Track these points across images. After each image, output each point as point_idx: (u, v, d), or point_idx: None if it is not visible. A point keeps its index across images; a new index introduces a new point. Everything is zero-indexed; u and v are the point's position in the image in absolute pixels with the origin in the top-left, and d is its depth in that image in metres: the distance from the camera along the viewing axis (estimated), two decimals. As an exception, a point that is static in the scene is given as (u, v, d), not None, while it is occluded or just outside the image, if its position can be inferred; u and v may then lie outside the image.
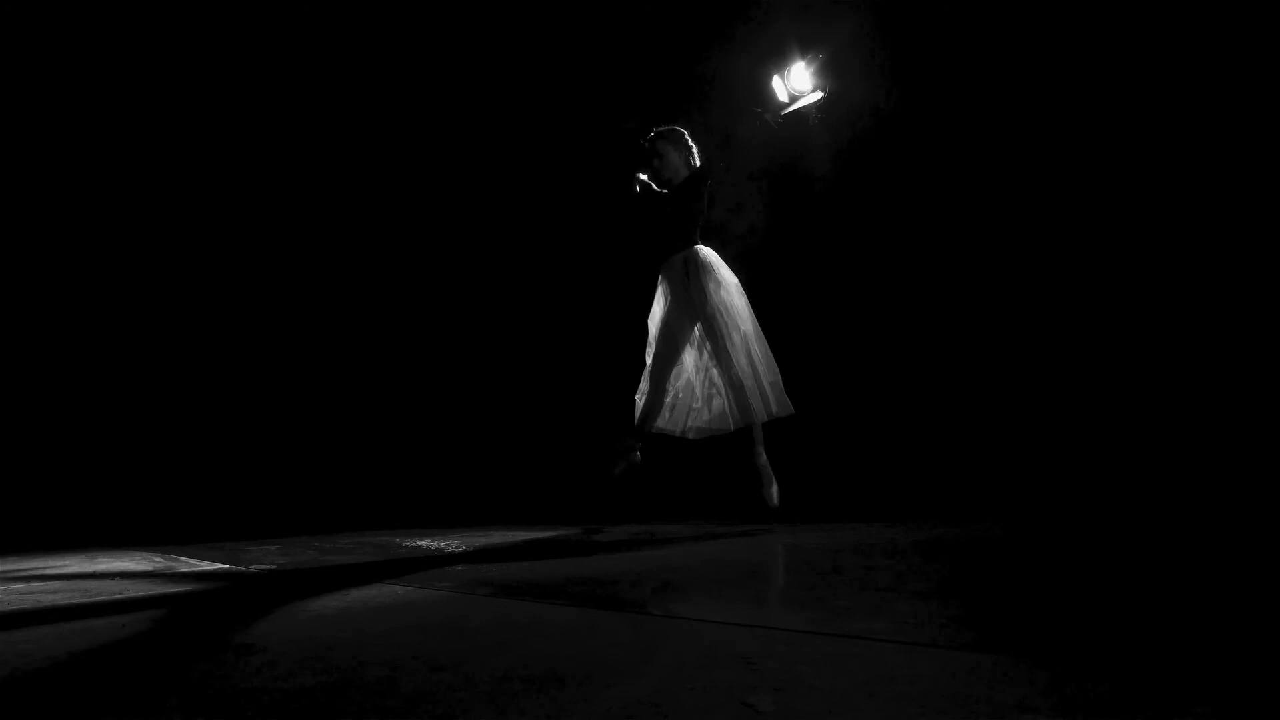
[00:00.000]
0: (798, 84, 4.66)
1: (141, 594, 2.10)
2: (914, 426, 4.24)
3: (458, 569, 2.40)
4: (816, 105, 4.66)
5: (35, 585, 2.40)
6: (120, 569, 2.78)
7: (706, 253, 3.69)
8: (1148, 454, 3.46)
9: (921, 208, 4.32)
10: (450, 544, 3.29)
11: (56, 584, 2.41)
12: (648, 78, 5.15)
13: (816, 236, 4.73)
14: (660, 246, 3.77)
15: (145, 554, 3.33)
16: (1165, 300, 3.53)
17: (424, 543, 3.41)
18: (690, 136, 3.83)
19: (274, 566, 2.65)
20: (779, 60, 4.67)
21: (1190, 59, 3.46)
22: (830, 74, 4.59)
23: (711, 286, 3.55)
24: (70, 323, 5.53)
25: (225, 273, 5.96)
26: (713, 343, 3.53)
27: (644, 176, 3.82)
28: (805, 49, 4.59)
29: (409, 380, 6.32)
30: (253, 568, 2.64)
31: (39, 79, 5.27)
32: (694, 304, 3.54)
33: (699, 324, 3.59)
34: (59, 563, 3.08)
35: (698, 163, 3.82)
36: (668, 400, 3.61)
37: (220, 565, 2.77)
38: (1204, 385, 3.40)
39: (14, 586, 2.39)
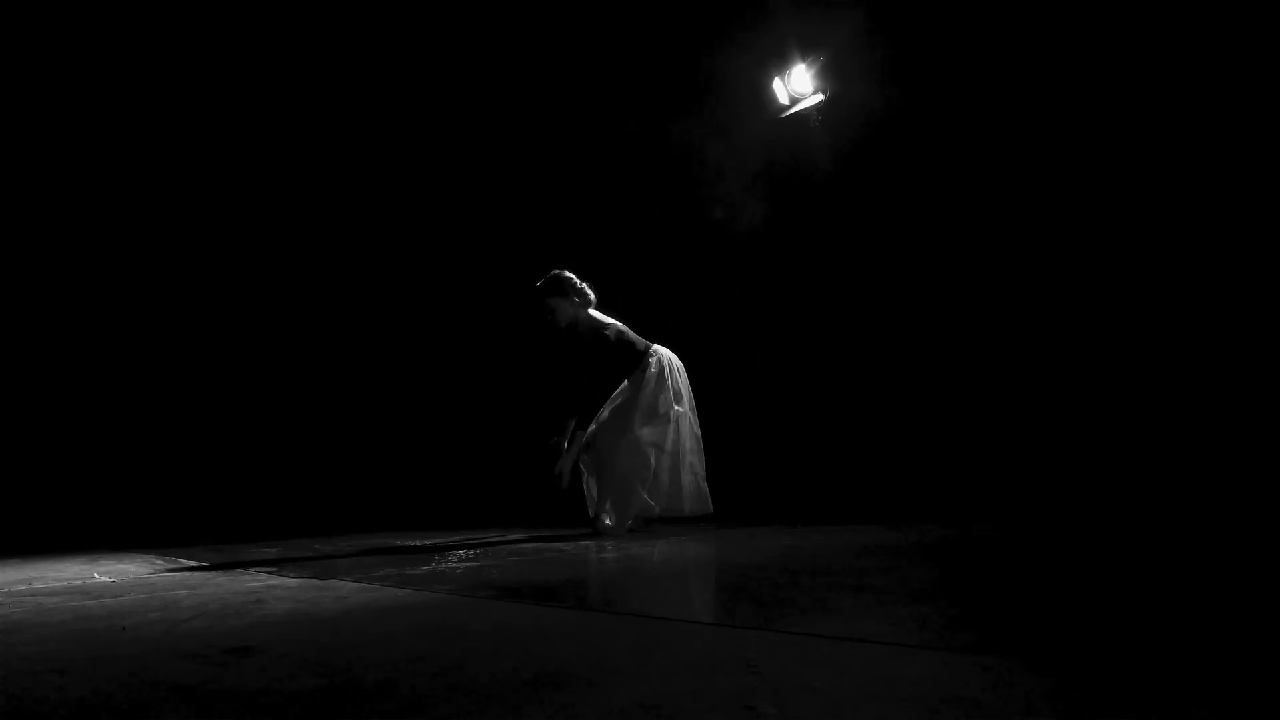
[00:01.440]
0: (798, 86, 4.67)
1: (142, 597, 2.10)
2: (914, 429, 4.23)
3: (458, 571, 2.40)
4: (818, 107, 4.67)
5: (36, 588, 2.40)
6: (122, 571, 2.78)
7: (659, 362, 3.73)
8: (1144, 457, 3.45)
9: (921, 211, 4.32)
10: (450, 546, 3.29)
11: (58, 587, 2.41)
12: (647, 79, 5.15)
13: (816, 238, 4.73)
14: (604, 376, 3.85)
15: (147, 556, 3.33)
16: (1161, 305, 3.52)
17: (424, 544, 3.41)
18: (575, 277, 3.80)
19: (275, 569, 2.65)
20: (780, 62, 4.68)
21: (1192, 59, 3.46)
22: (831, 76, 4.60)
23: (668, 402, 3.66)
24: (72, 326, 5.53)
25: (229, 278, 5.96)
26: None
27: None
28: (806, 51, 4.60)
29: (409, 384, 6.32)
30: (253, 570, 2.64)
31: (39, 79, 5.28)
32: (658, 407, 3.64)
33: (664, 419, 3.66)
34: (61, 566, 3.08)
35: (591, 295, 3.82)
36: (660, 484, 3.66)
37: (221, 568, 2.77)
38: (1199, 388, 3.39)
39: (15, 590, 2.39)
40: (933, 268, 4.27)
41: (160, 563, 3.06)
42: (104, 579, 2.57)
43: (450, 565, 2.58)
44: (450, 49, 5.63)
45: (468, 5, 5.44)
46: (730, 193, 4.91)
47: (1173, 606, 1.49)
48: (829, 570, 2.00)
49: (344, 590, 2.06)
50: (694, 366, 3.96)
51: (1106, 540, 2.59)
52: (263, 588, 2.17)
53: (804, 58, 4.59)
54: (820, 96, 4.62)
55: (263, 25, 5.42)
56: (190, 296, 5.87)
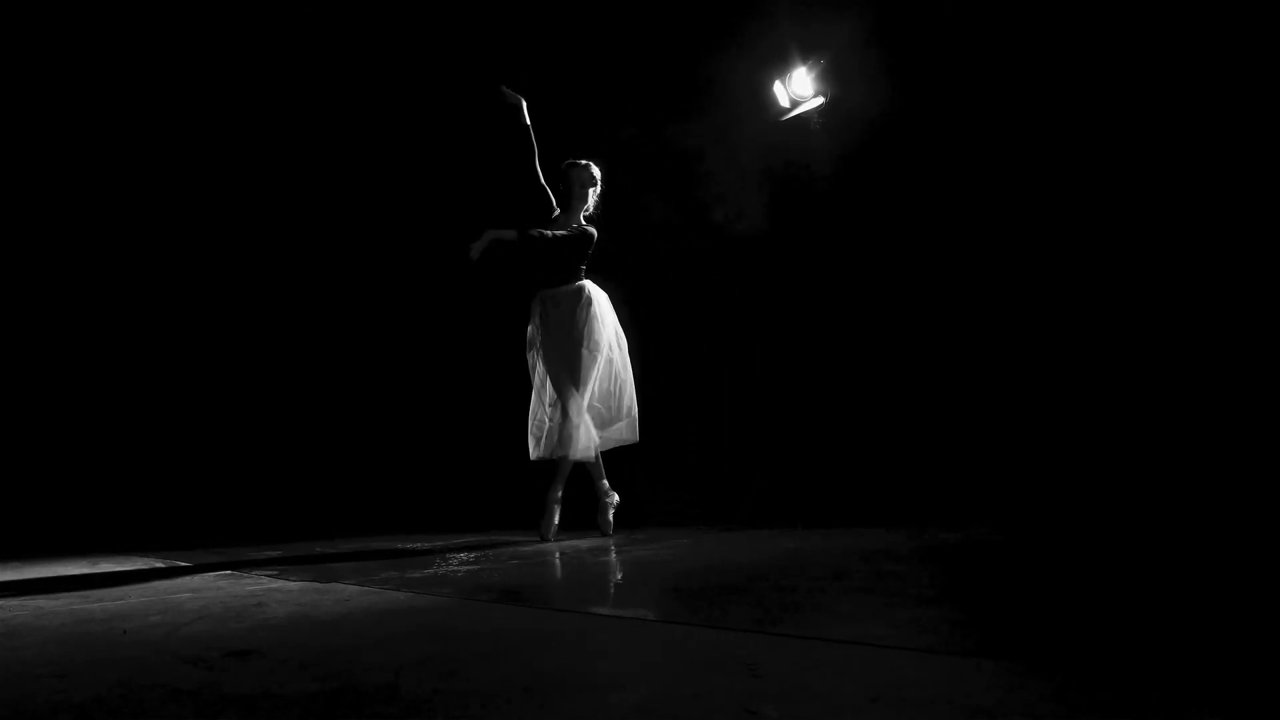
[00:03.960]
0: (799, 89, 4.67)
1: (143, 599, 2.10)
2: (915, 430, 4.22)
3: (459, 574, 2.40)
4: (818, 110, 4.67)
5: (36, 592, 2.40)
6: (122, 573, 2.78)
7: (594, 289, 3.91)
8: (1144, 459, 3.45)
9: (921, 213, 4.31)
10: (451, 548, 3.29)
11: (58, 590, 2.41)
12: (647, 81, 5.15)
13: (816, 240, 4.72)
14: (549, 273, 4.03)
15: (147, 559, 3.33)
16: (1162, 307, 3.52)
17: (425, 546, 3.40)
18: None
19: (276, 571, 2.65)
20: (780, 65, 4.68)
21: (1193, 63, 3.46)
22: (832, 79, 4.59)
23: (596, 324, 3.76)
24: (72, 325, 5.53)
25: (231, 276, 5.96)
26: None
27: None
28: (807, 54, 4.59)
29: (412, 385, 6.32)
30: (253, 573, 2.64)
31: (39, 79, 5.28)
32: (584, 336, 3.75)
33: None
34: (61, 568, 3.08)
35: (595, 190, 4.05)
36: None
37: (221, 570, 2.77)
38: (1200, 390, 3.39)
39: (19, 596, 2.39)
40: (933, 269, 4.27)
41: (160, 564, 3.06)
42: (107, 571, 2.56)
43: (451, 568, 2.57)
44: (449, 50, 5.63)
45: (467, 7, 5.44)
46: (730, 195, 4.91)
47: (1174, 608, 1.49)
48: (830, 573, 2.00)
49: (345, 593, 2.06)
50: (694, 366, 3.96)
51: (1108, 543, 2.58)
52: (264, 590, 2.17)
53: (805, 60, 4.59)
54: (821, 99, 4.62)
55: (266, 27, 5.42)
56: (191, 296, 5.87)
